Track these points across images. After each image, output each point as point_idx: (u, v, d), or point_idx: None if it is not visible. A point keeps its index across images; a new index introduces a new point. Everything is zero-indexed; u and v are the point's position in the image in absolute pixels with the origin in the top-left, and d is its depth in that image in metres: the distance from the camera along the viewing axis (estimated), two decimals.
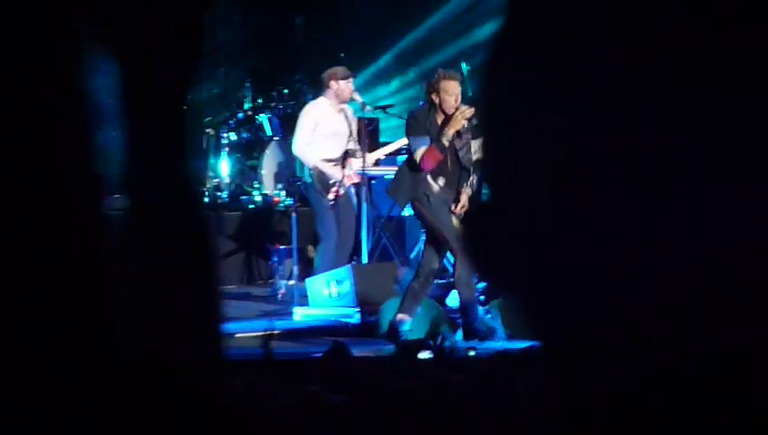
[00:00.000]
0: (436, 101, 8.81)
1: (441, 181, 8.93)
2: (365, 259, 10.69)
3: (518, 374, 5.44)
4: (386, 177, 11.11)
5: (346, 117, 10.67)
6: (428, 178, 8.93)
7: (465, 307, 9.01)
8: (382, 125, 12.67)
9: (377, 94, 14.33)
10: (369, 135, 11.16)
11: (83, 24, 2.08)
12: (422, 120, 8.89)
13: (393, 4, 14.89)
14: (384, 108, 11.66)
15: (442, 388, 5.20)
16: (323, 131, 10.54)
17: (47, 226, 1.96)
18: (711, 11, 1.33)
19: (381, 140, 12.16)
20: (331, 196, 10.50)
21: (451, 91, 8.78)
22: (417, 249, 11.21)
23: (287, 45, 14.64)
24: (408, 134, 9.07)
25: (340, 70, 10.73)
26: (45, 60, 1.96)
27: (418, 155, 8.81)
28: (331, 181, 10.50)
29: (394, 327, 8.91)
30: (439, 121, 8.83)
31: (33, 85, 1.95)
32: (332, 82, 10.53)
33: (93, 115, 2.06)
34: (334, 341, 7.33)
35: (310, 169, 10.56)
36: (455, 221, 8.87)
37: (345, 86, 10.58)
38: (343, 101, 10.62)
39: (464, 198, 8.92)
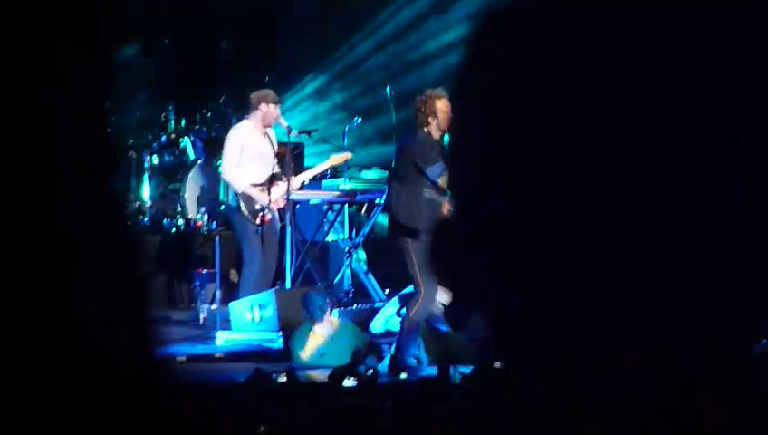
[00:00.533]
0: (433, 122, 8.70)
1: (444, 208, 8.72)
2: (288, 284, 10.62)
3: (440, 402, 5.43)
4: (311, 201, 11.07)
5: (270, 140, 10.61)
6: (437, 205, 8.73)
7: (402, 340, 8.87)
8: (307, 150, 12.63)
9: (300, 119, 14.29)
10: (294, 159, 11.10)
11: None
12: (434, 146, 8.71)
13: (320, 29, 14.88)
14: (309, 132, 11.64)
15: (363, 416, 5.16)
16: (249, 155, 10.46)
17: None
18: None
19: (306, 164, 12.11)
20: (257, 220, 10.43)
21: (445, 108, 8.67)
22: (340, 274, 11.18)
23: (212, 68, 14.55)
24: (429, 163, 8.69)
25: (270, 93, 10.68)
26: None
27: (446, 181, 8.60)
28: (258, 206, 10.43)
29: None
30: (437, 142, 8.72)
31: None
32: (262, 105, 10.48)
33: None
34: (256, 368, 7.26)
35: (237, 194, 10.47)
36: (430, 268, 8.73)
37: (273, 110, 10.53)
38: (268, 125, 10.57)
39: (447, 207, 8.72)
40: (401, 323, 8.94)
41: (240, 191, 10.44)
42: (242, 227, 10.56)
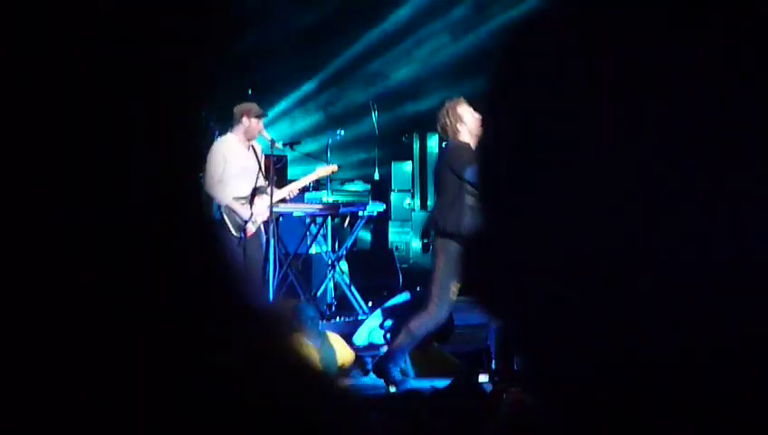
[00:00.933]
0: (463, 128, 8.72)
1: (468, 221, 8.63)
2: (271, 296, 10.64)
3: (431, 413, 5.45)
4: (294, 214, 11.10)
5: (255, 153, 10.62)
6: (465, 212, 8.67)
7: (395, 350, 8.86)
8: (290, 163, 12.67)
9: (283, 132, 14.33)
10: (277, 172, 11.13)
11: None
12: (468, 150, 8.63)
13: (304, 42, 14.93)
14: (292, 144, 11.67)
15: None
16: (232, 169, 10.45)
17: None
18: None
19: (290, 176, 12.15)
20: (239, 234, 10.44)
21: (470, 112, 8.67)
22: (323, 286, 11.21)
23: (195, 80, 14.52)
24: (465, 165, 8.59)
25: (253, 107, 10.68)
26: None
27: None
28: (240, 220, 10.43)
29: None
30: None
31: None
32: (245, 119, 10.47)
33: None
34: None
35: (220, 208, 10.46)
36: (455, 289, 8.68)
37: (256, 124, 10.53)
38: (251, 138, 10.58)
39: None
40: (402, 331, 8.89)
41: (223, 205, 10.44)
42: (225, 241, 10.54)
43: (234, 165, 10.44)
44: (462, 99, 8.79)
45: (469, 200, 8.59)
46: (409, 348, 8.83)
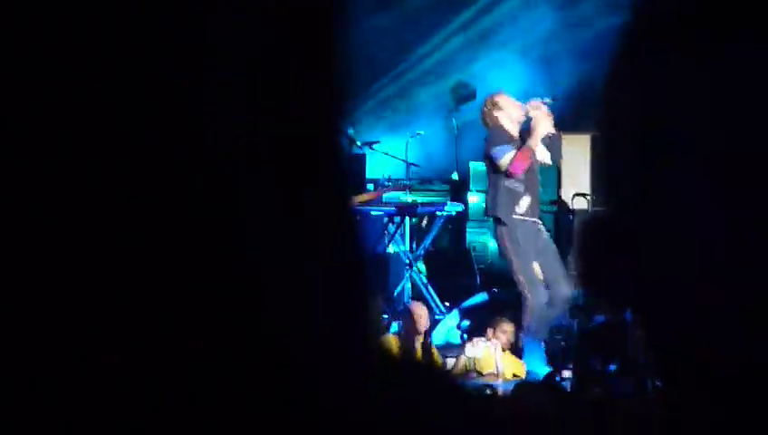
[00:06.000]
0: (500, 114, 8.74)
1: (527, 201, 8.72)
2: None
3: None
4: (372, 213, 11.08)
5: None
6: (515, 195, 8.72)
7: (526, 360, 8.79)
8: (369, 162, 12.65)
9: (362, 131, 14.33)
10: (355, 172, 11.16)
11: None
12: (501, 135, 8.73)
13: (385, 38, 14.92)
14: (371, 144, 11.65)
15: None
16: None
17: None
18: None
19: (368, 176, 12.13)
20: None
21: (508, 100, 8.72)
22: (400, 286, 11.18)
23: None
24: (492, 144, 8.74)
25: None
26: None
27: (507, 160, 8.63)
28: None
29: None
30: (514, 135, 8.76)
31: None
32: None
33: None
34: None
35: None
36: (538, 269, 8.65)
37: None
38: None
39: None
40: (520, 336, 8.83)
41: None
42: None
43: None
44: (502, 91, 8.76)
45: (506, 183, 8.60)
46: (538, 346, 8.73)
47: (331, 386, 2.06)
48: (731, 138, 1.42)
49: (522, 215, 8.64)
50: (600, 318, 8.73)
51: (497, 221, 8.77)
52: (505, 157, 8.60)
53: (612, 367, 8.01)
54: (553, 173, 12.58)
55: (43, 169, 1.88)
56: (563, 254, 9.10)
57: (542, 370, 8.57)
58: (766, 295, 1.41)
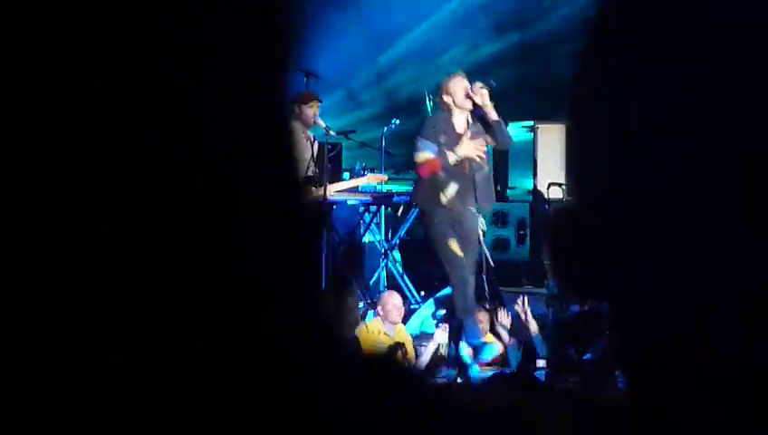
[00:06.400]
0: (449, 101, 8.77)
1: (453, 188, 8.78)
2: (322, 286, 10.63)
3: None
4: (348, 202, 11.07)
5: (311, 143, 10.57)
6: (439, 184, 8.78)
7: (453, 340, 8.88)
8: (345, 152, 12.63)
9: (340, 121, 14.30)
10: (330, 161, 11.11)
11: None
12: (439, 125, 8.80)
13: (364, 28, 14.89)
14: (346, 133, 11.63)
15: None
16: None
17: None
18: None
19: (344, 166, 12.11)
20: None
21: (459, 86, 8.75)
22: (376, 275, 11.18)
23: None
24: (419, 134, 8.87)
25: (305, 95, 10.64)
26: None
27: (420, 158, 8.72)
28: None
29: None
30: (455, 123, 8.79)
31: None
32: (295, 107, 10.43)
33: None
34: None
35: None
36: (455, 246, 8.69)
37: (309, 111, 10.48)
38: (308, 127, 10.53)
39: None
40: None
41: None
42: None
43: (299, 153, 10.38)
44: (460, 73, 8.80)
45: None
46: (461, 332, 8.78)
47: (330, 386, 2.07)
48: (703, 127, 1.42)
49: (447, 205, 8.68)
50: (575, 308, 8.76)
51: (421, 211, 8.85)
52: (420, 155, 8.69)
53: (587, 357, 8.04)
54: (529, 162, 12.60)
55: (43, 169, 1.88)
56: (539, 244, 9.11)
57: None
58: (739, 285, 1.40)
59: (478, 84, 8.73)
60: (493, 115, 8.72)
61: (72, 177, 1.93)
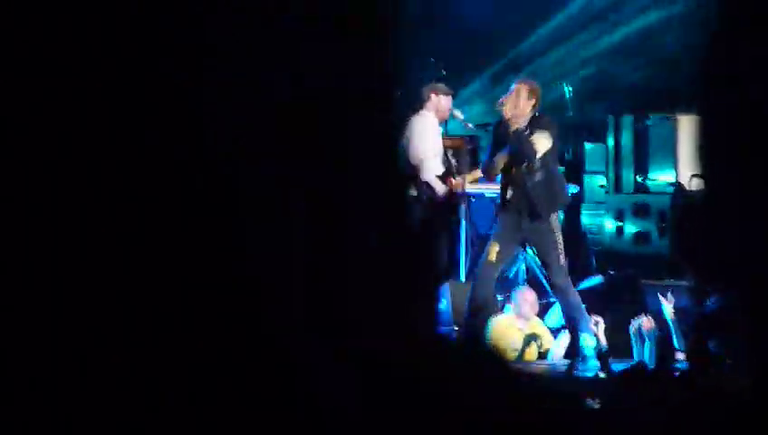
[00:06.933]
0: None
1: (508, 194, 8.95)
2: (463, 278, 10.61)
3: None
4: (486, 194, 11.02)
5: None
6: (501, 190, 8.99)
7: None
8: (483, 143, 12.59)
9: (474, 113, 14.26)
10: (469, 153, 11.10)
11: None
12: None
13: (494, 21, 14.84)
14: (485, 126, 11.58)
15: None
16: (436, 147, 10.42)
17: None
18: None
19: (482, 158, 12.07)
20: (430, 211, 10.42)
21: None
22: (515, 269, 11.12)
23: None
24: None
25: (440, 85, 10.63)
26: None
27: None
28: (436, 198, 10.38)
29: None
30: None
31: None
32: (433, 96, 10.42)
33: None
34: None
35: (417, 183, 10.42)
36: (493, 252, 8.79)
37: (445, 101, 10.46)
38: (443, 119, 10.52)
39: None
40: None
41: (428, 179, 10.32)
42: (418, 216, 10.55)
43: (437, 143, 10.42)
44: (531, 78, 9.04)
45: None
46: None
47: (331, 386, 2.05)
48: None
49: (505, 210, 9.06)
50: (713, 301, 8.62)
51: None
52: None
53: (725, 351, 7.91)
54: (670, 155, 12.42)
55: (44, 169, 1.88)
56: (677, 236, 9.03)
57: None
58: None
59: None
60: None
61: (72, 176, 1.93)
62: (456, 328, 9.64)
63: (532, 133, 8.70)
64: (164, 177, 1.91)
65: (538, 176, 8.76)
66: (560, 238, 8.85)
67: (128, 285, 1.91)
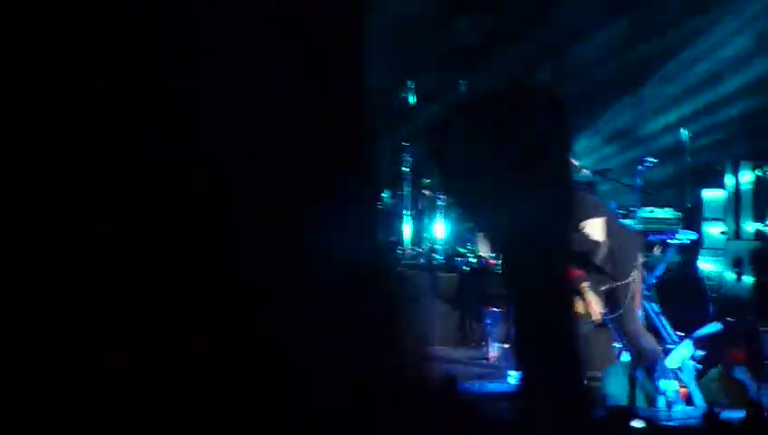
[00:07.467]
0: None
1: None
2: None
3: None
4: None
5: None
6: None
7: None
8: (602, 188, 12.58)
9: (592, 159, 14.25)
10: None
11: None
12: None
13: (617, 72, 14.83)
14: (603, 172, 11.58)
15: None
16: None
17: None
18: None
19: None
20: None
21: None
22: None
23: None
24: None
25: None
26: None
27: None
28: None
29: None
30: None
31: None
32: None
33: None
34: None
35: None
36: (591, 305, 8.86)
37: None
38: None
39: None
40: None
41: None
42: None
43: None
44: None
45: None
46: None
47: (331, 386, 2.04)
48: None
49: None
50: None
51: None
52: None
53: None
54: None
55: (43, 169, 1.88)
56: None
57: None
58: None
59: None
60: None
61: (71, 177, 1.93)
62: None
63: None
64: (164, 177, 1.93)
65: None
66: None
67: (127, 284, 1.92)
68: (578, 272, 8.83)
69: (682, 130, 11.88)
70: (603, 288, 8.97)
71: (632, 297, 9.03)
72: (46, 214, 1.92)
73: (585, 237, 8.87)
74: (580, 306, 8.90)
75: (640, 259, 9.23)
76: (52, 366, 1.88)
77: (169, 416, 1.90)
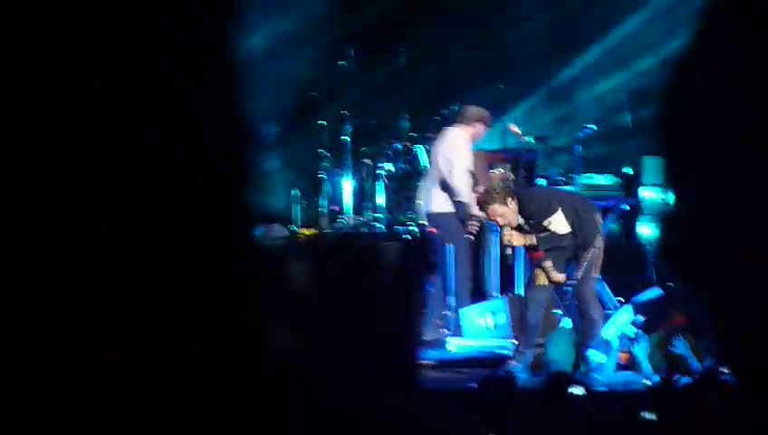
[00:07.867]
0: None
1: None
2: (520, 291, 10.63)
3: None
4: None
5: None
6: None
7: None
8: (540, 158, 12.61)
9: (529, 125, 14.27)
10: (525, 166, 11.21)
11: None
12: None
13: (553, 36, 14.84)
14: (542, 138, 11.63)
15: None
16: (470, 164, 10.63)
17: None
18: None
19: (539, 172, 12.10)
20: (468, 229, 10.55)
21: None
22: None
23: (444, 76, 14.70)
24: None
25: (488, 116, 10.79)
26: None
27: None
28: (468, 217, 10.52)
29: None
30: None
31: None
32: (477, 124, 10.61)
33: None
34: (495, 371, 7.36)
35: (456, 199, 10.57)
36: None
37: (483, 131, 10.69)
38: (473, 142, 10.73)
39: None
40: None
41: (465, 200, 10.46)
42: (458, 232, 10.65)
43: (470, 160, 10.56)
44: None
45: None
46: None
47: (332, 388, 2.05)
48: None
49: None
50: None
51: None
52: None
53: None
54: None
55: (43, 169, 1.88)
56: None
57: None
58: None
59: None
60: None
61: (71, 177, 1.93)
62: (515, 341, 9.65)
63: None
64: (164, 177, 1.92)
65: None
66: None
67: (127, 284, 1.91)
68: (541, 253, 8.92)
69: (624, 94, 11.88)
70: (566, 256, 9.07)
71: (594, 263, 9.09)
72: (46, 214, 1.91)
73: (553, 234, 8.94)
74: (541, 278, 8.94)
75: (601, 225, 9.29)
76: (52, 366, 1.88)
77: (169, 416, 1.90)
